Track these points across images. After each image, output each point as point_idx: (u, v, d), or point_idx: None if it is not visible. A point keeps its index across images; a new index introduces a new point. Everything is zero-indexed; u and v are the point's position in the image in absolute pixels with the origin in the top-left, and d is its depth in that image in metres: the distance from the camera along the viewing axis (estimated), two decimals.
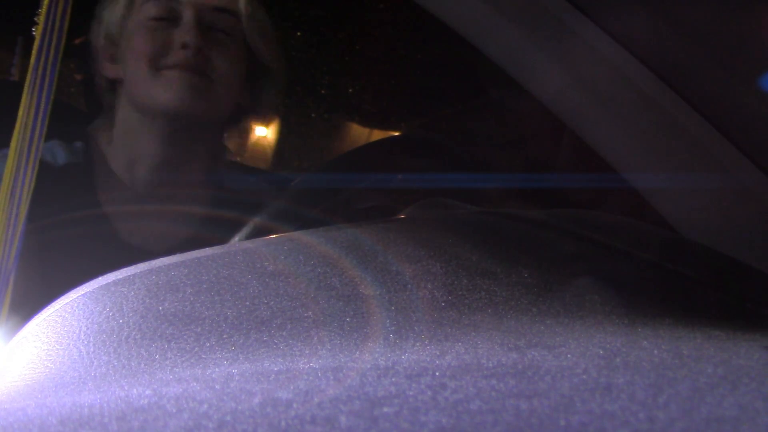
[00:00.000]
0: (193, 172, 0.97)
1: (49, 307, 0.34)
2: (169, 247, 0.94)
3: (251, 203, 0.88)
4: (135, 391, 0.24)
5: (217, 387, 0.23)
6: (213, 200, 0.97)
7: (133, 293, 0.32)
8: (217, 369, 0.27)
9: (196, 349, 0.29)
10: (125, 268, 0.34)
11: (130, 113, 0.93)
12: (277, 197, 0.84)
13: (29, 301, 0.81)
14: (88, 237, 0.89)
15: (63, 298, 0.34)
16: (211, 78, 0.89)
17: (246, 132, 1.04)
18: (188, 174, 0.96)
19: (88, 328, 0.31)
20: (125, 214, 0.93)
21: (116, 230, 0.92)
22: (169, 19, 0.90)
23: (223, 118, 0.97)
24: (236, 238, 0.80)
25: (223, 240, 0.82)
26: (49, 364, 0.30)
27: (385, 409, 0.20)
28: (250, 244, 0.37)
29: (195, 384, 0.24)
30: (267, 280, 0.33)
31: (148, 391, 0.23)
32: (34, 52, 0.51)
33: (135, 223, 0.93)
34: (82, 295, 0.33)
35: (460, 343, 0.28)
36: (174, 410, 0.21)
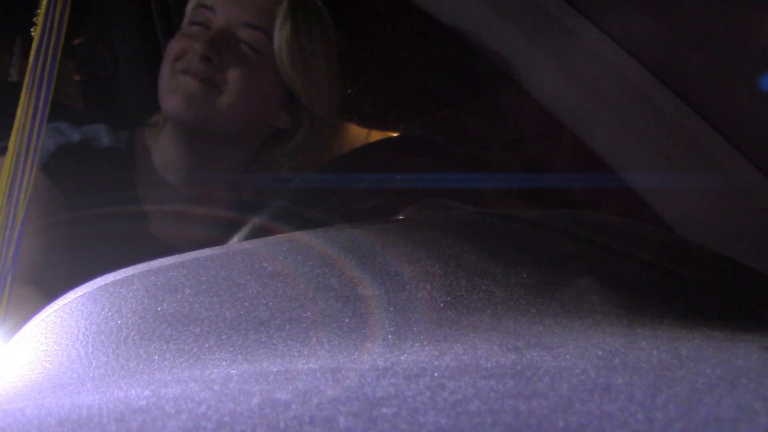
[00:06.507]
0: (220, 183, 0.98)
1: (47, 307, 0.34)
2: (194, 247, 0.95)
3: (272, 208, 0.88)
4: (134, 391, 0.24)
5: (215, 388, 0.23)
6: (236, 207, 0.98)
7: (131, 294, 0.32)
8: (215, 370, 0.27)
9: (195, 349, 0.29)
10: (124, 269, 0.34)
11: None
12: (277, 197, 0.84)
13: (57, 271, 0.82)
14: (120, 224, 0.90)
15: (62, 298, 0.34)
16: (220, 89, 0.89)
17: (282, 156, 1.02)
18: (215, 185, 0.97)
19: (86, 329, 0.31)
20: (158, 207, 0.94)
21: (148, 223, 0.93)
22: (203, 26, 0.91)
23: (247, 135, 0.96)
24: (235, 239, 0.80)
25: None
26: (47, 365, 0.30)
27: (384, 410, 0.20)
28: (248, 244, 0.37)
29: (194, 385, 0.24)
30: (266, 280, 0.33)
31: (146, 392, 0.23)
32: (32, 52, 0.51)
33: (166, 219, 0.95)
34: (81, 296, 0.33)
35: (458, 344, 0.28)
36: (173, 411, 0.21)
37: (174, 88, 0.88)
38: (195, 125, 0.90)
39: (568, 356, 0.25)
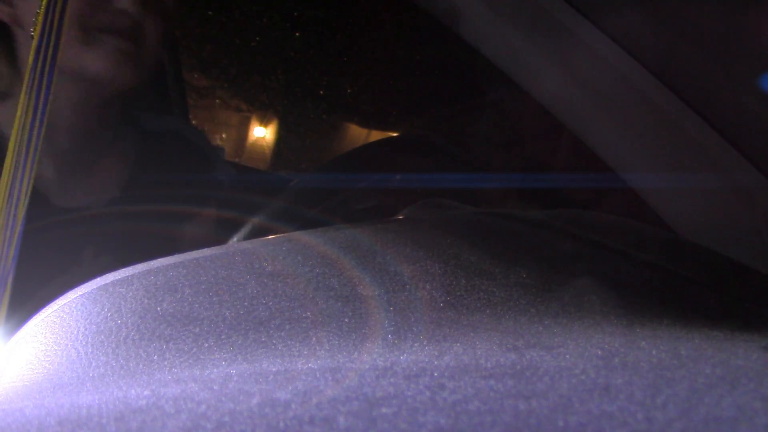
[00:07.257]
0: (110, 145, 0.91)
1: (47, 307, 0.34)
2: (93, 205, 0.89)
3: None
4: (133, 391, 0.24)
5: (215, 388, 0.23)
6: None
7: (131, 294, 0.32)
8: (215, 370, 0.27)
9: (195, 349, 0.29)
10: (124, 269, 0.34)
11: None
12: (276, 197, 0.84)
13: None
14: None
15: (61, 298, 0.34)
16: (140, 44, 0.83)
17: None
18: (104, 147, 0.91)
19: (86, 329, 0.31)
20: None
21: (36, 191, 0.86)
22: None
23: (145, 83, 0.89)
24: (235, 239, 0.80)
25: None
26: (47, 365, 0.30)
27: (384, 410, 0.20)
28: (248, 244, 0.37)
29: (193, 385, 0.24)
30: (265, 280, 0.33)
31: (146, 392, 0.23)
32: (32, 52, 0.51)
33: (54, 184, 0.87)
34: (81, 295, 0.33)
35: (458, 344, 0.28)
36: (172, 411, 0.21)
37: (102, 52, 0.80)
38: (124, 85, 0.83)
39: (567, 356, 0.25)
